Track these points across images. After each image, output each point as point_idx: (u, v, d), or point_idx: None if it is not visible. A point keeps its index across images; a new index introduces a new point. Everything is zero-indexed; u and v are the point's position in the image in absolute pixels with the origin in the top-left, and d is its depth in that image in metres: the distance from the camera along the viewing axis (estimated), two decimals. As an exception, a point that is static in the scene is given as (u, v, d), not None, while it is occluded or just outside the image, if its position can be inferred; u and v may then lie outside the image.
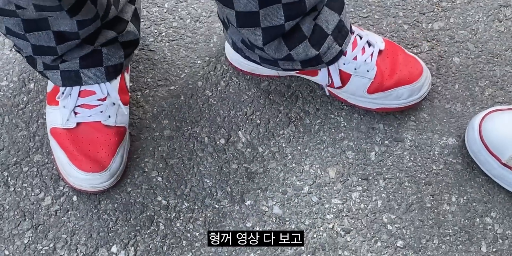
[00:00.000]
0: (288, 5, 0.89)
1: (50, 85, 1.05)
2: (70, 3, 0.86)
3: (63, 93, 1.01)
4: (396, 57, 1.05)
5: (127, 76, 1.07)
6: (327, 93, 1.08)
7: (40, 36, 0.92)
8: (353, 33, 1.03)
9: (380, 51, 1.04)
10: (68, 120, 1.01)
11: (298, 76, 1.11)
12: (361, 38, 1.03)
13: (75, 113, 1.01)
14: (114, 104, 1.02)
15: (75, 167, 1.00)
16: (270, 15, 0.90)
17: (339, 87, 1.05)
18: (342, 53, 1.01)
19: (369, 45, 1.04)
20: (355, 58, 1.02)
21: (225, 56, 1.14)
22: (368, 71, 1.03)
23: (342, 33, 1.00)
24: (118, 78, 1.04)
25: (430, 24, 1.17)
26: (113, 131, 1.02)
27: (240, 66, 1.11)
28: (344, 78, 1.04)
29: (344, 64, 1.02)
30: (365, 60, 1.03)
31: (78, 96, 1.01)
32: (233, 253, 1.01)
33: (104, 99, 1.02)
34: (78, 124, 1.01)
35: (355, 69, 1.03)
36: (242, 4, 0.88)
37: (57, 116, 1.02)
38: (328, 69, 1.03)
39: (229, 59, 1.13)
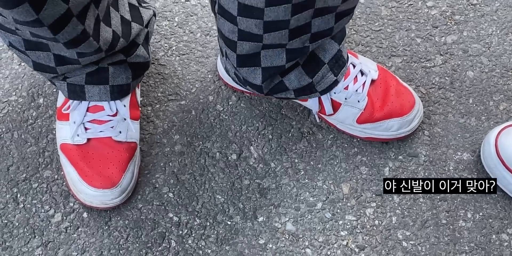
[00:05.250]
0: (292, 49, 0.88)
1: (60, 100, 1.04)
2: (67, 38, 0.84)
3: (69, 106, 1.00)
4: (388, 88, 1.04)
5: (138, 91, 1.06)
6: (318, 120, 1.07)
7: (40, 56, 0.91)
8: (347, 61, 1.01)
9: (372, 81, 1.03)
10: (78, 135, 1.00)
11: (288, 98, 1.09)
12: (354, 66, 1.01)
13: (86, 129, 1.00)
14: (125, 119, 1.01)
15: (86, 184, 0.99)
16: (272, 56, 0.89)
17: (330, 115, 1.04)
18: (336, 83, 0.99)
19: (362, 74, 1.02)
20: (346, 88, 1.00)
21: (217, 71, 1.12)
22: (358, 101, 1.01)
23: (339, 63, 0.98)
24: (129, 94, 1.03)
25: (443, 38, 1.16)
26: (124, 147, 1.01)
27: (230, 82, 1.09)
28: (335, 106, 1.02)
29: (335, 93, 1.01)
30: (357, 90, 1.01)
31: (87, 111, 1.00)
32: (246, 270, 0.99)
33: (115, 115, 1.01)
34: (88, 139, 1.00)
35: (345, 98, 1.01)
36: (245, 49, 0.87)
37: (67, 132, 1.01)
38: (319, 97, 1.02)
39: (220, 74, 1.11)
